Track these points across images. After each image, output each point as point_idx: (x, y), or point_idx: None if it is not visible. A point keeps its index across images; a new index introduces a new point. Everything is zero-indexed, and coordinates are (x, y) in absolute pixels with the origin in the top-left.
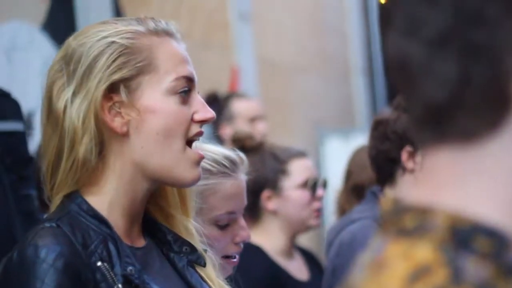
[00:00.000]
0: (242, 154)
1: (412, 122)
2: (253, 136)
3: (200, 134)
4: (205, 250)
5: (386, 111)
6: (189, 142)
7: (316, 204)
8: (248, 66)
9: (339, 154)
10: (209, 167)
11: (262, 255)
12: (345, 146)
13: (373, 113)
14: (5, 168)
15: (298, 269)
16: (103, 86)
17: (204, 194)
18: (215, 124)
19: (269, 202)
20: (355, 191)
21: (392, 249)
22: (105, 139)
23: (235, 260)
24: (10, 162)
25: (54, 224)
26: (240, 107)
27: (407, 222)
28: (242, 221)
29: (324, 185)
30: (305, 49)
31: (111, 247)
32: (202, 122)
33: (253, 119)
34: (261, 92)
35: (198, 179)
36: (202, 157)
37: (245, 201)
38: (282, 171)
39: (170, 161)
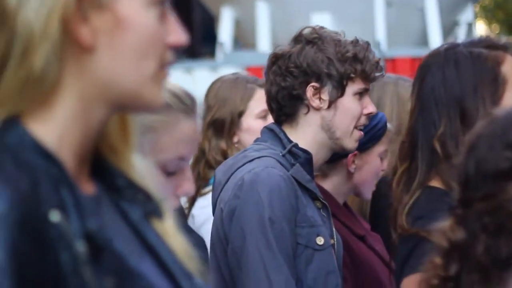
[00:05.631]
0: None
1: None
2: None
3: (172, 62)
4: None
5: (285, 45)
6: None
7: None
8: None
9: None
10: (167, 100)
11: None
12: (187, 79)
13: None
14: None
15: None
16: None
17: (159, 132)
18: None
19: None
20: (215, 126)
21: None
22: (64, 51)
23: None
24: None
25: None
26: None
27: None
28: (188, 172)
29: None
30: None
31: (65, 194)
32: (174, 47)
33: None
34: None
35: (163, 104)
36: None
37: (195, 149)
38: None
39: (139, 84)
